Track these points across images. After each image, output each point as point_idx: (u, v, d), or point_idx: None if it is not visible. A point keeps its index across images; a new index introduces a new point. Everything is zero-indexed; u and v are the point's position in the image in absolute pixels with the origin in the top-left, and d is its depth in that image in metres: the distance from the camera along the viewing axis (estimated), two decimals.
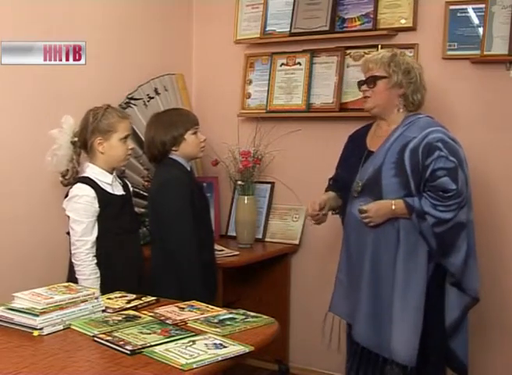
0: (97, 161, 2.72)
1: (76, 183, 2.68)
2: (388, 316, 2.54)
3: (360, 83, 2.75)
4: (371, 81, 2.66)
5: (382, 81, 2.65)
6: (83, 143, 2.73)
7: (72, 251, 2.63)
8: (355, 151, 2.77)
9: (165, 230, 2.78)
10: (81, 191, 2.64)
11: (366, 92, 2.69)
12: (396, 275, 2.53)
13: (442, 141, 2.53)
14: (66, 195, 2.69)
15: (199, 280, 2.72)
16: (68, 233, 2.70)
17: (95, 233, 2.64)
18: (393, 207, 2.52)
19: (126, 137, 2.74)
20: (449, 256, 2.56)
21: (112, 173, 2.74)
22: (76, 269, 2.62)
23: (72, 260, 2.64)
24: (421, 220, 2.50)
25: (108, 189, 2.70)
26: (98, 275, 2.62)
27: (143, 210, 3.38)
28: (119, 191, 2.76)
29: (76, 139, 2.75)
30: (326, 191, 2.92)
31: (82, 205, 2.62)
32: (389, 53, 2.69)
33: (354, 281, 2.65)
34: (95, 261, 2.62)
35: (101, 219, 2.65)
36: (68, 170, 2.77)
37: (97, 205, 2.64)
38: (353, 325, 2.64)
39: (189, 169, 2.91)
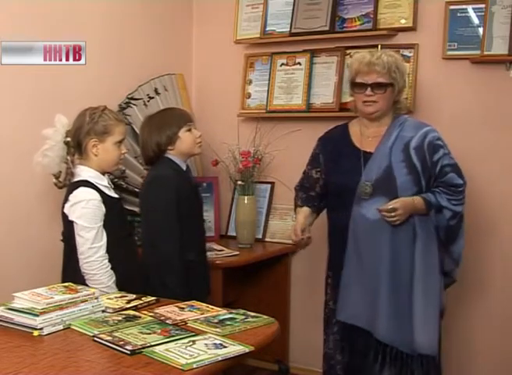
0: (89, 163, 2.64)
1: (76, 186, 2.58)
2: (409, 311, 2.58)
3: (361, 86, 2.67)
4: (381, 87, 2.65)
5: (390, 88, 2.67)
6: (76, 143, 2.64)
7: (84, 261, 2.51)
8: (344, 153, 2.76)
9: (149, 228, 2.79)
10: (88, 195, 2.55)
11: (371, 97, 2.66)
12: (415, 270, 2.59)
13: (440, 139, 2.68)
14: (65, 200, 2.60)
15: (177, 279, 2.70)
16: (62, 240, 2.65)
17: (105, 238, 2.55)
18: (415, 202, 2.60)
19: (120, 142, 2.67)
20: (453, 245, 2.70)
21: (104, 176, 2.68)
22: (91, 278, 2.51)
23: (84, 270, 2.52)
24: (439, 215, 2.62)
25: (107, 192, 2.63)
26: (114, 279, 2.56)
27: None
28: (113, 194, 2.70)
29: (69, 139, 2.66)
30: (298, 205, 2.93)
31: (90, 210, 2.53)
32: (391, 58, 2.68)
33: (369, 284, 2.64)
34: (110, 266, 2.55)
35: (104, 223, 2.57)
36: (60, 172, 2.67)
37: (104, 209, 2.56)
38: (374, 327, 2.64)
39: (184, 168, 2.89)
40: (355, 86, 2.71)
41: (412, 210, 2.59)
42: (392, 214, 2.55)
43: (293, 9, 3.57)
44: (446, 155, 2.64)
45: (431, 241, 2.64)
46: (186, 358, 1.72)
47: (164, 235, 2.74)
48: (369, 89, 2.66)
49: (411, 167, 2.61)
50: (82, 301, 2.08)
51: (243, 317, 2.10)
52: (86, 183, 2.58)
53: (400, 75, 2.68)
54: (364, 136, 2.75)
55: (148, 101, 3.59)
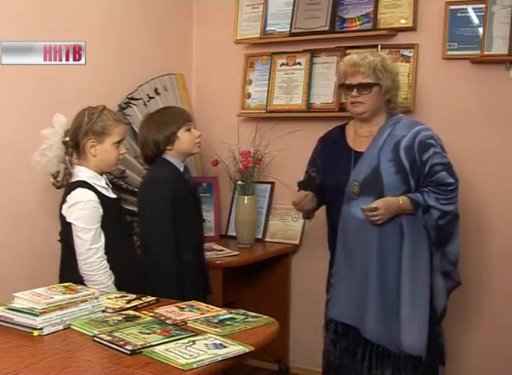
0: (87, 163, 2.63)
1: (73, 187, 2.57)
2: (397, 311, 2.58)
3: (348, 88, 2.70)
4: (366, 88, 2.66)
5: (375, 88, 2.67)
6: (74, 143, 2.63)
7: (83, 262, 2.51)
8: (339, 154, 2.78)
9: (145, 228, 2.79)
10: (85, 196, 2.53)
11: (357, 97, 2.68)
12: (403, 269, 2.58)
13: (433, 138, 2.66)
14: (63, 201, 2.59)
15: (172, 280, 2.70)
16: (60, 240, 2.65)
17: (103, 239, 2.54)
18: (400, 202, 2.58)
19: (119, 142, 2.66)
20: (448, 245, 2.67)
21: (102, 176, 2.67)
22: (90, 279, 2.51)
23: (83, 271, 2.52)
24: (426, 214, 2.60)
25: (105, 193, 2.62)
26: (113, 279, 2.55)
27: None
28: (111, 194, 2.68)
29: (67, 139, 2.64)
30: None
31: (88, 211, 2.52)
32: (378, 58, 2.70)
33: (357, 283, 2.65)
34: (109, 266, 2.54)
35: (103, 224, 2.56)
36: (59, 171, 2.65)
37: (101, 210, 2.55)
38: (362, 326, 2.65)
39: (181, 169, 2.88)
40: (343, 88, 2.77)
41: (397, 210, 2.58)
42: (374, 213, 2.55)
43: (293, 9, 3.57)
44: (436, 154, 2.61)
45: (420, 241, 2.61)
46: (186, 358, 1.72)
47: (159, 236, 2.74)
48: (355, 90, 2.68)
49: (399, 166, 2.61)
50: (82, 301, 2.08)
51: (243, 317, 2.10)
52: (83, 184, 2.57)
53: (386, 75, 2.68)
54: (357, 136, 2.77)
55: (148, 101, 3.60)
